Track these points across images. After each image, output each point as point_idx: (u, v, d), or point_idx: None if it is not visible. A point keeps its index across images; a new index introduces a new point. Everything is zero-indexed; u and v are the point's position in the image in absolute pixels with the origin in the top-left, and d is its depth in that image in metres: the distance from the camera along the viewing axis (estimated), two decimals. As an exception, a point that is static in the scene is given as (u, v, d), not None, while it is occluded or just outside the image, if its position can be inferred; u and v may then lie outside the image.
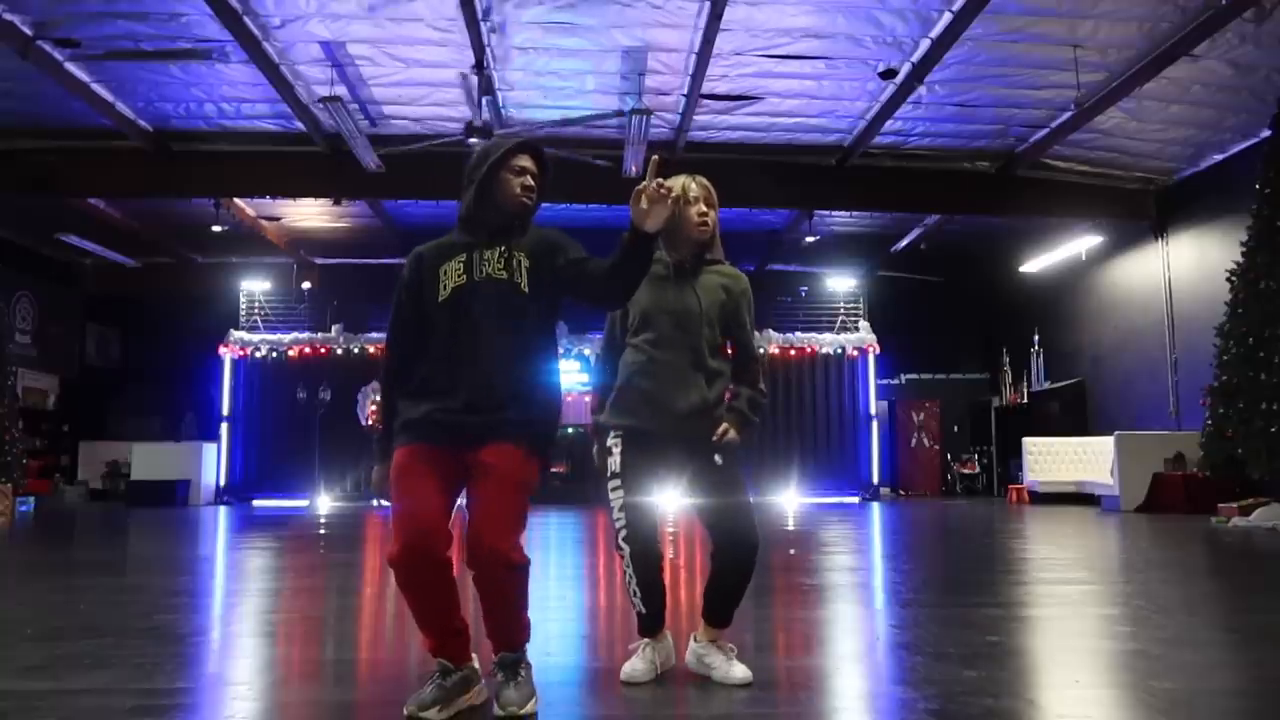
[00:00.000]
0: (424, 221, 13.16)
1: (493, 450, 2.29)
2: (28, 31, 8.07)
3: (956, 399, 15.56)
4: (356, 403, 13.62)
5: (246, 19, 7.90)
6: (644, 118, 9.19)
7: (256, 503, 13.23)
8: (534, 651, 2.42)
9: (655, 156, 2.30)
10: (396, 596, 2.31)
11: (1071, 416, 13.44)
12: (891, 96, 9.41)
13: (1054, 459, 12.61)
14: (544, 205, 2.53)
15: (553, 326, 2.51)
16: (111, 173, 11.04)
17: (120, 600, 4.24)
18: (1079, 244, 12.84)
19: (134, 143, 10.43)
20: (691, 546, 6.55)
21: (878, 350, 14.17)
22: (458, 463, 2.32)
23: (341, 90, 9.11)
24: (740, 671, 2.54)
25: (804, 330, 14.21)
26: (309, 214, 13.38)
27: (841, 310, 14.56)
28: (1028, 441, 12.83)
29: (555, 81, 9.33)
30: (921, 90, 9.21)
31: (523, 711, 2.22)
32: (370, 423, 13.42)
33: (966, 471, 15.19)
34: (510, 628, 2.34)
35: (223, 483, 13.48)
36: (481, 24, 7.99)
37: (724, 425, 2.62)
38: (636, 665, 2.60)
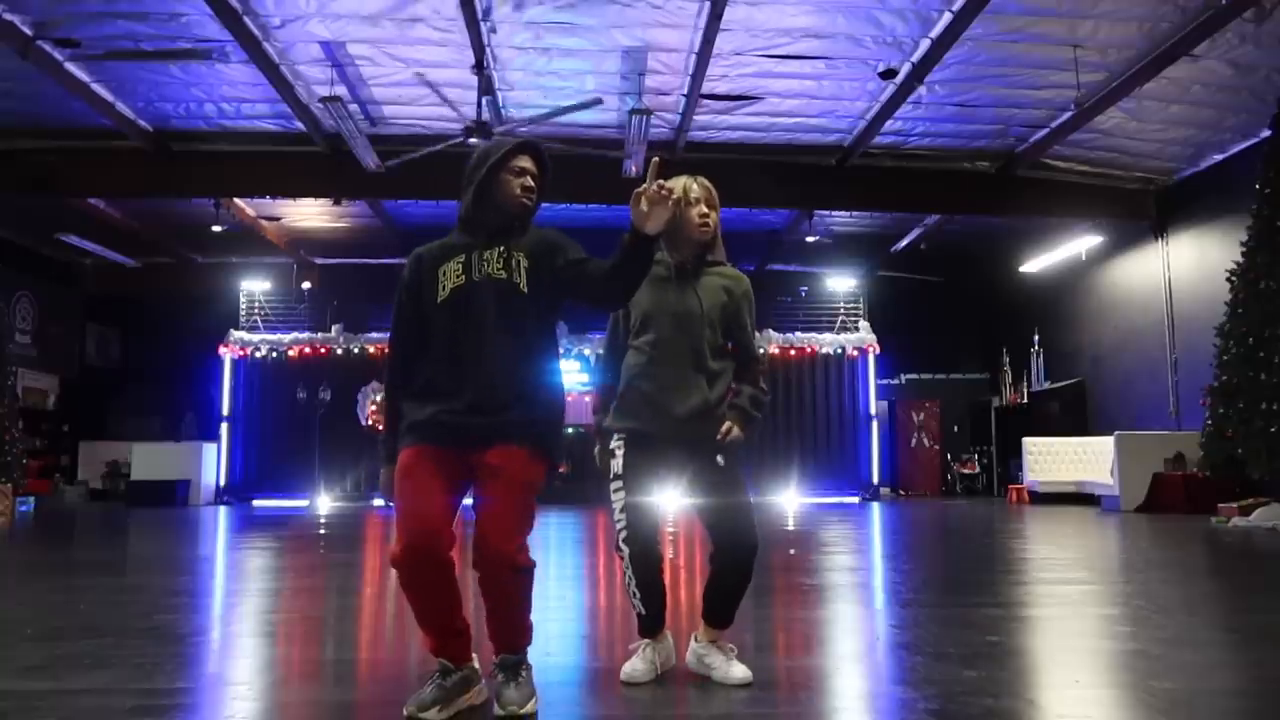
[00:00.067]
0: (424, 221, 13.16)
1: (498, 452, 2.30)
2: (28, 31, 8.07)
3: (956, 399, 15.56)
4: (356, 403, 13.62)
5: (246, 19, 7.90)
6: (644, 118, 9.19)
7: (256, 503, 13.23)
8: (534, 651, 2.41)
9: (656, 158, 2.30)
10: (396, 596, 2.31)
11: (1071, 416, 13.44)
12: (891, 96, 9.41)
13: (1054, 459, 12.61)
14: (544, 205, 2.53)
15: (553, 326, 2.51)
16: (111, 173, 11.04)
17: (120, 600, 4.24)
18: (1079, 244, 12.84)
19: (134, 143, 10.43)
20: (691, 546, 6.55)
21: (878, 350, 14.18)
22: (463, 464, 2.32)
23: (341, 90, 9.11)
24: (740, 671, 2.54)
25: (804, 330, 14.21)
26: (309, 214, 13.38)
27: (841, 310, 14.56)
28: (1028, 441, 12.83)
29: (555, 81, 9.33)
30: (921, 90, 9.21)
31: (523, 711, 2.22)
32: (370, 422, 13.42)
33: (966, 471, 15.19)
34: (513, 630, 2.34)
35: (223, 483, 13.48)
36: (481, 24, 7.99)
37: (727, 424, 2.62)
38: (636, 665, 2.61)
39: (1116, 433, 10.71)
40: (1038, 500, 12.34)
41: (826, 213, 13.04)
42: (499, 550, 2.24)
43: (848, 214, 13.30)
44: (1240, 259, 8.74)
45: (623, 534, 2.58)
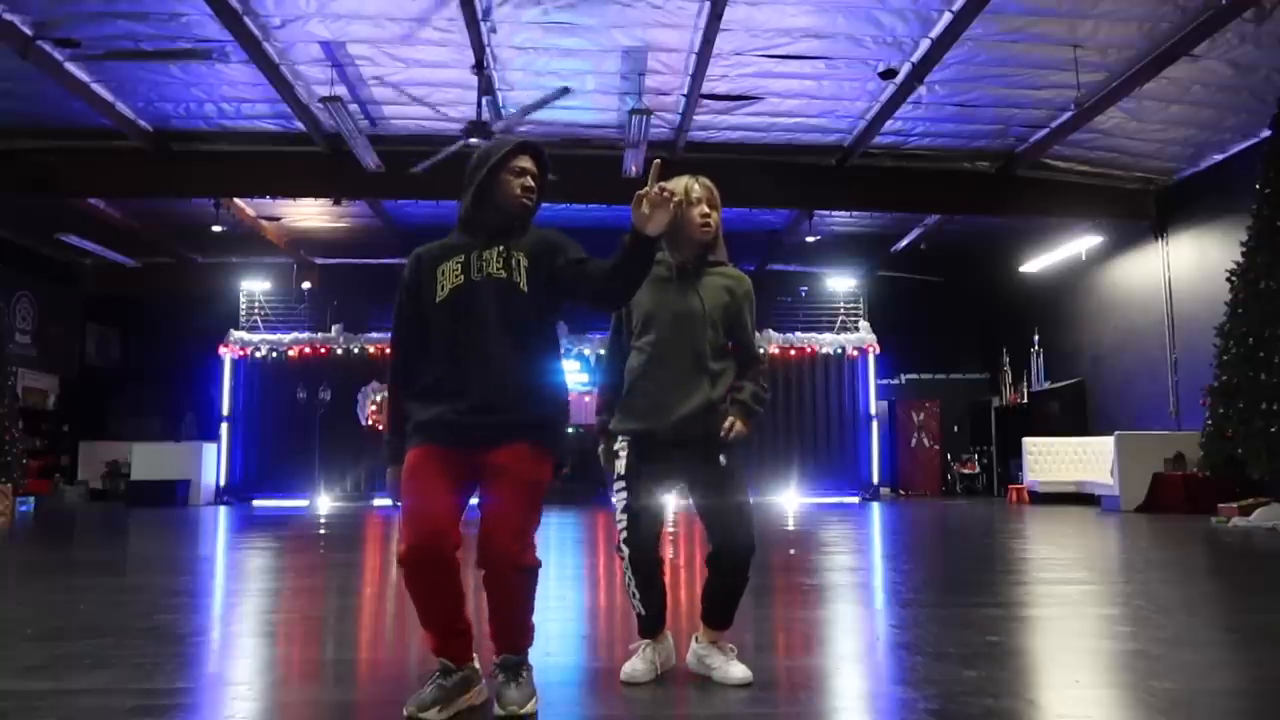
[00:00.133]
0: (424, 221, 13.16)
1: (504, 451, 2.30)
2: (28, 31, 8.07)
3: (956, 399, 15.56)
4: (356, 403, 13.62)
5: (246, 19, 7.90)
6: (644, 118, 9.20)
7: (256, 503, 13.23)
8: (534, 651, 2.42)
9: (657, 161, 2.29)
10: (396, 597, 2.32)
11: (1071, 416, 13.44)
12: (891, 96, 9.41)
13: (1054, 459, 12.61)
14: (544, 205, 2.53)
15: (554, 326, 2.51)
16: (111, 173, 11.04)
17: (120, 600, 4.24)
18: (1079, 244, 12.84)
19: (134, 143, 10.43)
20: (691, 546, 6.55)
21: (878, 350, 14.17)
22: (469, 464, 2.33)
23: (341, 90, 9.11)
24: (740, 671, 2.54)
25: (804, 330, 14.20)
26: (309, 214, 13.38)
27: (841, 310, 14.56)
28: (1028, 441, 12.83)
29: (555, 81, 9.30)
30: (921, 90, 9.21)
31: (523, 711, 2.23)
32: (370, 423, 13.42)
33: (966, 471, 15.19)
34: (515, 630, 2.35)
35: (223, 483, 13.47)
36: (481, 24, 7.99)
37: (730, 419, 2.61)
38: (637, 665, 2.61)
39: (1116, 433, 10.71)
40: (1038, 500, 12.34)
41: (826, 213, 13.04)
42: (505, 549, 2.25)
43: (848, 214, 13.30)
44: (1240, 259, 8.74)
45: (624, 535, 2.59)
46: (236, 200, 12.29)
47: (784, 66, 8.94)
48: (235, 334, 13.89)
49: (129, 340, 16.66)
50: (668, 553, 5.96)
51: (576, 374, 13.18)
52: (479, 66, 8.43)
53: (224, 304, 14.53)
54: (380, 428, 13.22)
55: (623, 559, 2.61)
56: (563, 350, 2.64)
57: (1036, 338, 14.61)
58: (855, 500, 13.44)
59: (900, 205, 12.45)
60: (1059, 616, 3.72)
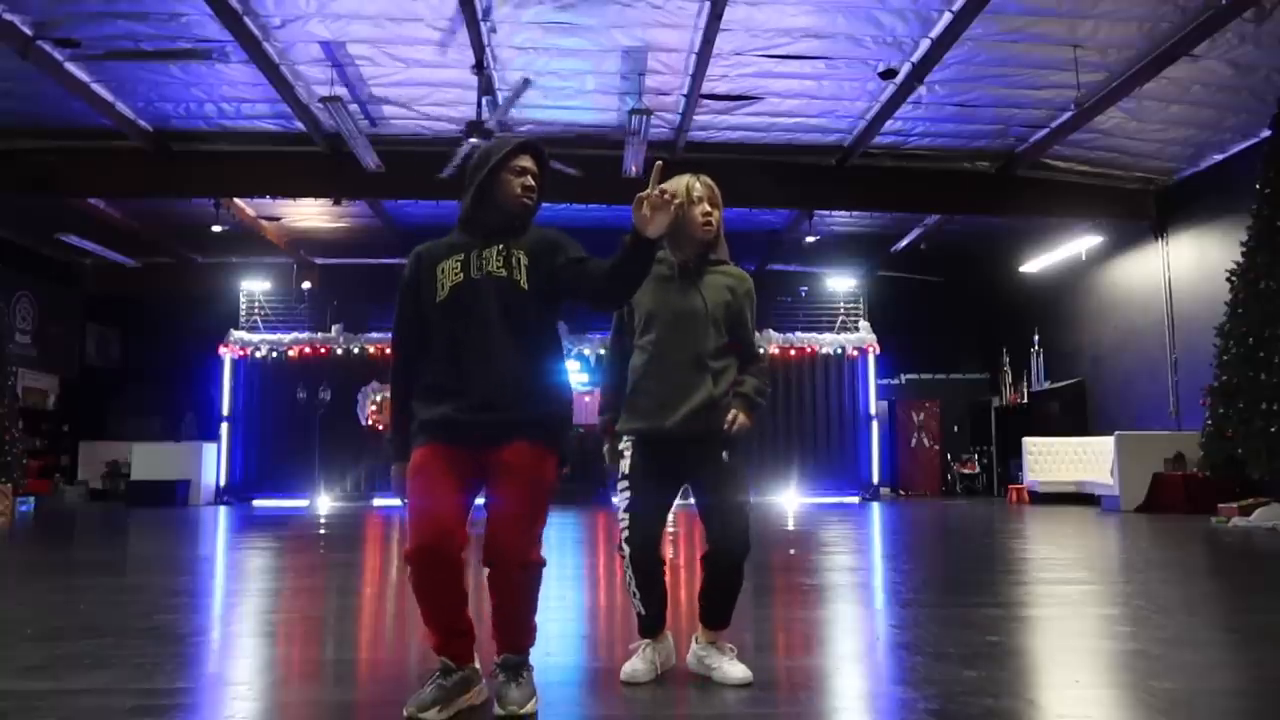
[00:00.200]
0: (424, 221, 13.16)
1: (510, 449, 2.31)
2: (28, 31, 8.07)
3: (956, 399, 15.55)
4: (356, 403, 13.63)
5: (246, 19, 7.90)
6: (644, 117, 9.19)
7: (256, 503, 13.23)
8: (534, 651, 2.42)
9: (659, 162, 2.30)
10: (396, 597, 2.31)
11: (1071, 416, 13.44)
12: (891, 96, 9.41)
13: (1054, 459, 12.61)
14: (544, 205, 2.53)
15: (555, 324, 2.51)
16: (111, 173, 11.04)
17: (120, 600, 4.24)
18: (1079, 244, 12.84)
19: (134, 143, 10.43)
20: (691, 547, 6.55)
21: (878, 350, 14.17)
22: (475, 463, 2.33)
23: (341, 90, 9.11)
24: (740, 671, 2.54)
25: (804, 330, 14.20)
26: (309, 214, 13.38)
27: (841, 310, 14.55)
28: (1028, 441, 12.83)
29: (555, 81, 9.33)
30: (921, 90, 9.21)
31: (523, 711, 2.23)
32: (370, 423, 13.42)
33: (966, 471, 15.18)
34: (518, 629, 2.35)
35: (223, 483, 13.47)
36: (481, 24, 7.99)
37: (733, 412, 2.61)
38: (637, 665, 2.61)
39: (1116, 433, 10.71)
40: (1038, 500, 12.34)
41: (826, 213, 13.04)
42: (512, 547, 2.26)
43: (848, 214, 13.30)
44: (1240, 259, 8.74)
45: (625, 534, 2.59)
46: (236, 200, 12.29)
47: (784, 66, 8.94)
48: (235, 334, 13.89)
49: (129, 340, 16.65)
50: (668, 553, 5.95)
51: (577, 374, 13.18)
52: (479, 66, 8.43)
53: (224, 304, 14.52)
54: (381, 428, 13.24)
55: (624, 558, 2.61)
56: (565, 350, 2.64)
57: (1036, 338, 14.61)
58: (855, 500, 13.43)
59: (900, 205, 12.45)
60: (1059, 616, 3.72)
